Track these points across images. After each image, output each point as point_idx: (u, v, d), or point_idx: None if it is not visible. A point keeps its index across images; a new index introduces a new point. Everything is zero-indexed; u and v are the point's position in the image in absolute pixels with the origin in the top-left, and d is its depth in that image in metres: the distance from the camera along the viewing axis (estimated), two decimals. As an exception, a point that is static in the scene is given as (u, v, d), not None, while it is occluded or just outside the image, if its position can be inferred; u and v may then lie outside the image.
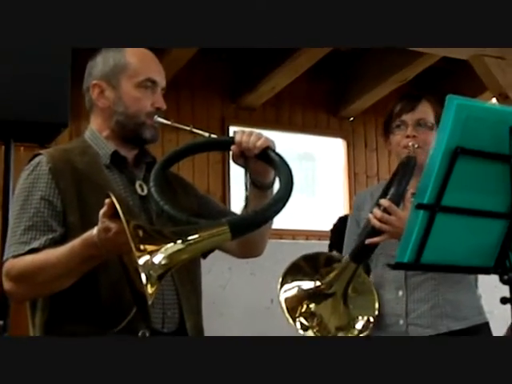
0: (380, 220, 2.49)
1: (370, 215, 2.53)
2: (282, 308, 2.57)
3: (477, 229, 1.88)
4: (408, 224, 1.86)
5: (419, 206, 1.79)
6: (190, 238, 1.83)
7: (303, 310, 2.57)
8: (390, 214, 2.48)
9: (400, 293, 2.73)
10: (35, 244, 2.06)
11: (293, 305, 2.57)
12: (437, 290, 2.72)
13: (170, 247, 1.79)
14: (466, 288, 2.77)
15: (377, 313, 2.65)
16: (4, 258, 2.10)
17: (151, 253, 1.75)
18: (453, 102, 1.73)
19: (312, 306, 2.58)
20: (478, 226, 1.87)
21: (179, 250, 1.80)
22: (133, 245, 1.72)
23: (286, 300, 2.57)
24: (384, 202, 2.51)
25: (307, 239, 6.71)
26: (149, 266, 1.73)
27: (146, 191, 2.23)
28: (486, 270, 1.95)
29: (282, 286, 2.59)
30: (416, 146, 2.70)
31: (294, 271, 2.62)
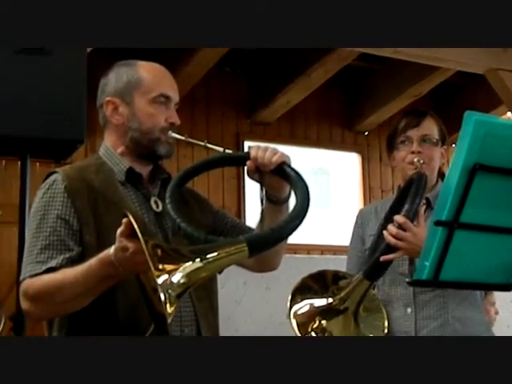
0: (395, 237, 2.48)
1: (385, 232, 2.51)
2: (291, 325, 2.55)
3: (496, 245, 1.86)
4: (426, 241, 1.85)
5: (438, 223, 1.78)
6: (208, 256, 1.82)
7: (315, 325, 2.56)
8: (404, 230, 2.47)
9: (409, 310, 2.72)
10: (52, 263, 2.05)
11: (304, 320, 2.56)
12: (445, 307, 2.71)
13: (189, 266, 1.78)
14: (472, 305, 2.76)
15: (386, 331, 2.64)
16: (21, 277, 2.10)
17: (170, 272, 1.74)
18: (471, 118, 1.72)
19: (323, 322, 2.57)
20: (496, 242, 1.85)
21: (198, 269, 1.79)
22: (151, 264, 1.71)
23: (297, 316, 2.56)
24: (399, 218, 2.49)
25: (322, 254, 6.69)
26: (167, 285, 1.72)
27: (161, 208, 2.22)
28: (506, 287, 1.93)
29: (291, 305, 2.57)
30: (421, 161, 2.70)
31: (302, 290, 2.60)
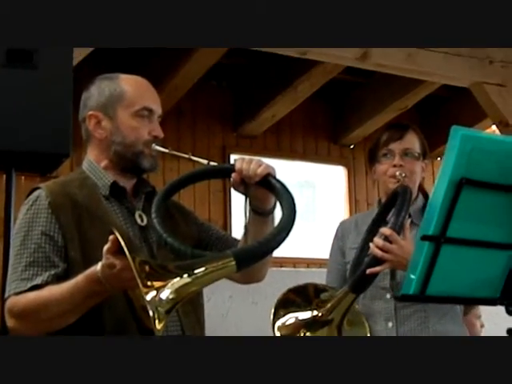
0: (382, 249, 2.48)
1: (372, 244, 2.51)
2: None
3: (482, 260, 1.86)
4: (413, 256, 1.85)
5: (424, 238, 1.78)
6: (195, 271, 1.82)
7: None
8: (391, 242, 2.47)
9: (390, 324, 2.72)
10: (38, 280, 2.04)
11: (288, 333, 2.55)
12: (426, 321, 2.72)
13: (177, 282, 1.78)
14: (453, 319, 2.77)
15: None
16: (6, 294, 2.08)
17: (158, 289, 1.74)
18: (458, 133, 1.73)
19: (308, 334, 2.56)
20: (483, 256, 1.86)
21: (186, 284, 1.79)
22: (139, 281, 1.70)
23: (281, 329, 2.55)
24: (386, 230, 2.50)
25: (308, 267, 6.68)
26: (156, 302, 1.72)
27: (145, 221, 2.21)
28: (492, 302, 1.93)
29: (274, 319, 2.57)
30: (403, 175, 2.70)
31: (285, 304, 2.60)
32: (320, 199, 7.13)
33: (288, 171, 6.56)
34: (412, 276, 1.81)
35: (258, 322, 5.77)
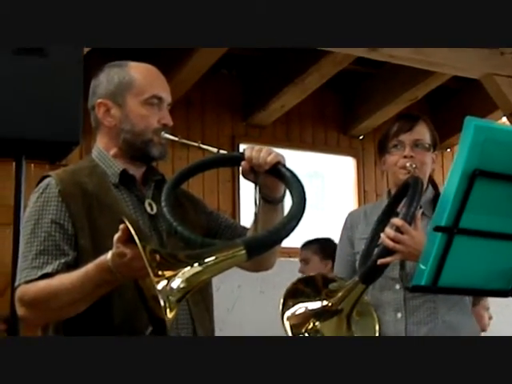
0: (393, 239, 2.46)
1: (383, 235, 2.50)
2: (284, 327, 2.54)
3: (495, 251, 1.86)
4: (426, 246, 1.84)
5: (437, 229, 1.77)
6: (206, 260, 1.82)
7: (309, 326, 2.55)
8: (402, 233, 2.46)
9: (399, 315, 2.71)
10: (48, 269, 2.04)
11: (298, 322, 2.55)
12: (435, 312, 2.71)
13: (188, 271, 1.78)
14: (463, 310, 2.76)
15: (377, 335, 2.63)
16: (16, 283, 2.08)
17: (169, 278, 1.73)
18: (471, 123, 1.72)
19: (317, 323, 2.56)
20: (496, 248, 1.85)
21: (197, 273, 1.79)
22: (150, 270, 1.70)
23: (291, 318, 2.55)
24: (397, 221, 2.48)
25: (316, 257, 6.67)
26: (167, 291, 1.72)
27: (155, 210, 2.21)
28: (504, 293, 1.92)
29: (283, 310, 2.56)
30: (414, 166, 2.69)
31: (294, 294, 2.59)
32: (329, 190, 7.13)
33: (297, 161, 6.55)
34: (423, 267, 1.80)
35: (266, 311, 5.77)
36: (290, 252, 6.20)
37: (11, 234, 3.15)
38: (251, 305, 5.91)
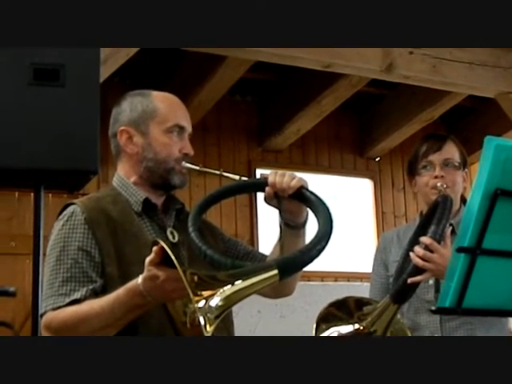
0: (422, 258, 2.44)
1: (412, 254, 2.47)
2: None
3: (519, 271, 1.83)
4: (449, 268, 1.82)
5: (460, 250, 1.75)
6: (243, 279, 1.84)
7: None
8: (431, 251, 2.43)
9: None
10: (76, 295, 2.03)
11: None
12: (474, 333, 2.67)
13: (227, 289, 1.80)
14: (501, 331, 2.73)
15: None
16: (42, 310, 2.08)
17: (207, 298, 1.75)
18: (491, 143, 1.70)
19: None
20: (520, 268, 1.83)
21: (235, 292, 1.81)
22: (190, 291, 1.71)
23: None
24: (425, 239, 2.45)
25: (336, 281, 6.65)
26: (205, 309, 1.73)
27: (177, 238, 2.21)
28: (530, 314, 1.90)
29: (316, 335, 2.54)
30: (445, 186, 2.67)
31: (327, 318, 2.57)
32: (347, 212, 7.11)
33: (314, 185, 6.54)
34: (448, 289, 1.78)
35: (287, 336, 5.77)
36: (309, 276, 6.20)
37: (31, 264, 3.16)
38: (272, 330, 5.87)
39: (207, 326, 1.71)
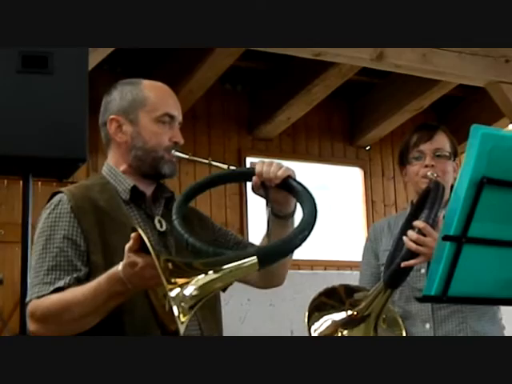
0: (416, 242, 2.44)
1: (405, 238, 2.47)
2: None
3: (505, 260, 1.83)
4: (435, 256, 1.82)
5: (446, 238, 1.75)
6: (218, 268, 1.82)
7: (338, 335, 2.54)
8: (425, 235, 2.44)
9: (427, 326, 2.69)
10: (60, 283, 2.03)
11: (326, 333, 2.53)
12: (465, 322, 2.68)
13: (201, 278, 1.78)
14: (492, 319, 2.74)
15: None
16: (27, 298, 2.08)
17: (182, 285, 1.74)
18: (478, 131, 1.70)
19: (345, 332, 2.54)
20: (506, 256, 1.83)
21: (210, 281, 1.80)
22: (163, 278, 1.70)
23: (318, 331, 2.53)
24: (419, 223, 2.45)
25: (325, 269, 6.66)
26: (180, 298, 1.72)
27: (164, 227, 2.21)
28: (515, 302, 1.91)
29: (309, 324, 2.55)
30: (435, 175, 2.67)
31: (319, 307, 2.58)
32: (337, 201, 7.13)
33: (304, 174, 6.55)
34: (434, 277, 1.79)
35: (276, 324, 5.78)
36: (299, 264, 6.21)
37: (19, 252, 3.15)
38: (261, 318, 5.89)
39: (180, 316, 1.69)
